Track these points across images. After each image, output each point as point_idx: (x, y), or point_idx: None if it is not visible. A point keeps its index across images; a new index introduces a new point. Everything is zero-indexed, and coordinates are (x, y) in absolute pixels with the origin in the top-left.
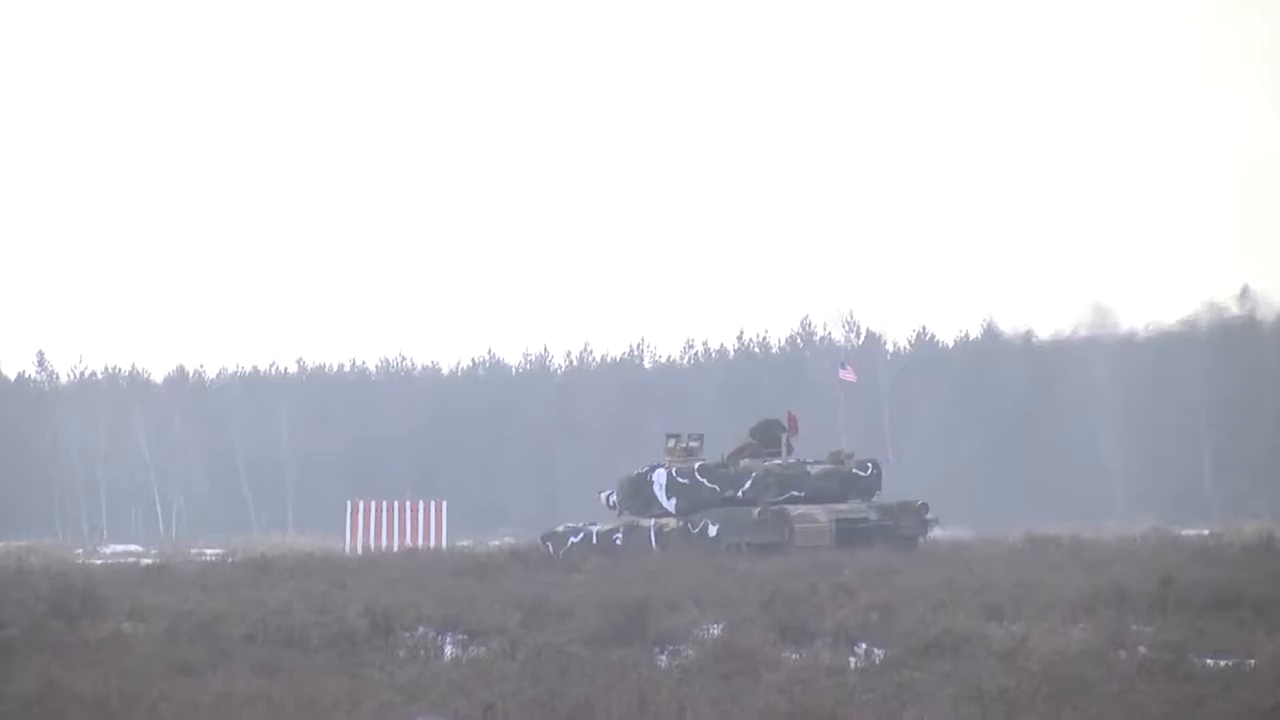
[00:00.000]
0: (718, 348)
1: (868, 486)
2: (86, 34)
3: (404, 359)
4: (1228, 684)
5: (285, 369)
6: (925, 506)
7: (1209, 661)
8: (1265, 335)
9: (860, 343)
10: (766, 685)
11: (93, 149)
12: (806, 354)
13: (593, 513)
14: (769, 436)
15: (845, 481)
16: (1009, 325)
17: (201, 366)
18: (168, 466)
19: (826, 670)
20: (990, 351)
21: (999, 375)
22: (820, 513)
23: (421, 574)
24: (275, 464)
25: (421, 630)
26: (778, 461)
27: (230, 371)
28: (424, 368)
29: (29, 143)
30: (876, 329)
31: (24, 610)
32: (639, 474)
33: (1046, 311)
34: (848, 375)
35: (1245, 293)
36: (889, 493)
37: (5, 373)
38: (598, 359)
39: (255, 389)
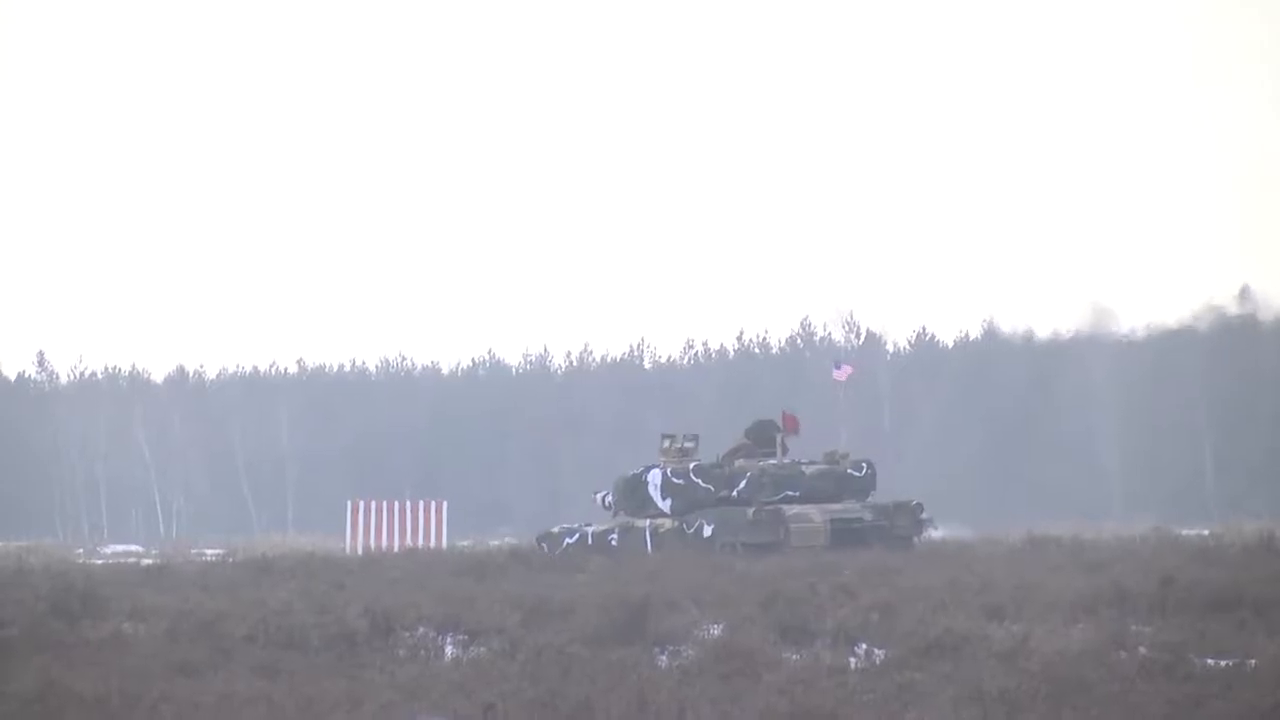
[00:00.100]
0: (718, 348)
1: (862, 486)
2: (86, 34)
3: (404, 359)
4: (1228, 684)
5: (285, 369)
6: (920, 506)
7: (1209, 662)
8: (1265, 335)
9: (860, 343)
10: (767, 685)
11: (93, 149)
12: (806, 354)
13: (592, 511)
14: (764, 437)
15: (840, 481)
16: (1009, 325)
17: (201, 366)
18: (168, 466)
19: (827, 670)
20: (990, 352)
21: (999, 375)
22: (815, 513)
23: (422, 574)
24: (275, 464)
25: (422, 630)
26: (773, 462)
27: (230, 371)
28: (424, 367)
29: (29, 143)
30: (876, 329)
31: (24, 610)
32: (634, 474)
33: (1046, 312)
34: (842, 375)
35: (1245, 293)
36: (889, 492)
37: (5, 373)
38: (598, 359)
39: (255, 389)
